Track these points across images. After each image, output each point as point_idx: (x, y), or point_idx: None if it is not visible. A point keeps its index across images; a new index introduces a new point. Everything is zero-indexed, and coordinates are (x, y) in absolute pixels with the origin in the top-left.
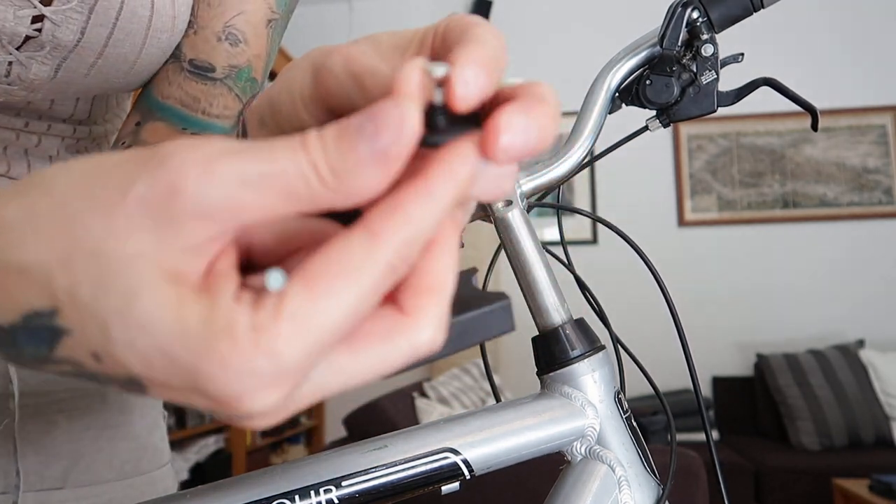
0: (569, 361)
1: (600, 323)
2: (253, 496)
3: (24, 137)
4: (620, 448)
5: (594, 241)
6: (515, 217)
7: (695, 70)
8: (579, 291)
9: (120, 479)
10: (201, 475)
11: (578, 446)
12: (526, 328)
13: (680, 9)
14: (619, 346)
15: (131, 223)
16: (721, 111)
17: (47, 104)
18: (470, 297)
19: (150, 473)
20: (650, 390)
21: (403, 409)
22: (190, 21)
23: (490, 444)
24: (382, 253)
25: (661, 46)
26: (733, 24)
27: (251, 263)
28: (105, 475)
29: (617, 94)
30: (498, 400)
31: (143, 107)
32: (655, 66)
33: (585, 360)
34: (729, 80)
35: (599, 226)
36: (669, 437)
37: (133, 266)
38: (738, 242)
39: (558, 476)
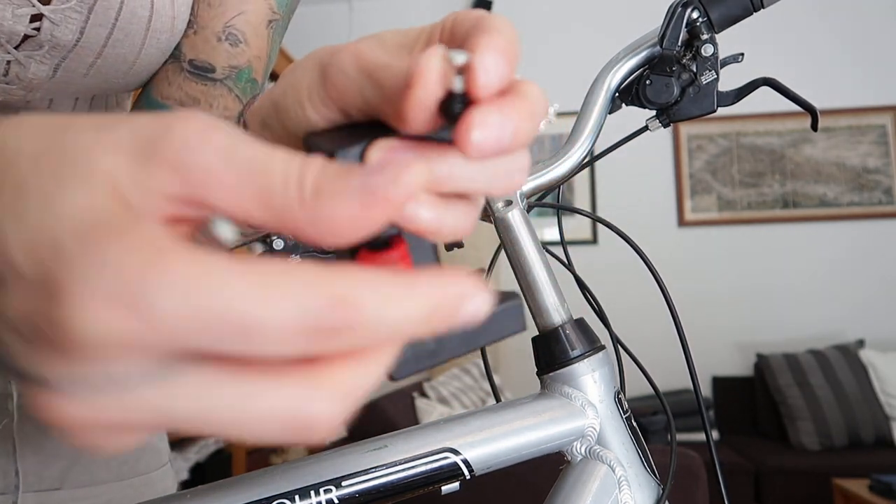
0: (569, 361)
1: (600, 323)
2: (253, 496)
3: None
4: (620, 448)
5: (594, 241)
6: (515, 217)
7: (695, 70)
8: (579, 291)
9: (118, 479)
10: (201, 475)
11: (578, 446)
12: (526, 328)
13: (680, 9)
14: (619, 346)
15: (118, 141)
16: (721, 111)
17: (46, 103)
18: None
19: (149, 474)
20: (650, 390)
21: (403, 409)
22: (190, 21)
23: (490, 444)
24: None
25: (661, 46)
26: (733, 24)
27: None
28: (103, 476)
29: (617, 94)
30: (498, 400)
31: (143, 107)
32: (655, 66)
33: (585, 360)
34: (729, 80)
35: (599, 226)
36: (669, 437)
37: (92, 166)
38: (738, 242)
39: (558, 476)
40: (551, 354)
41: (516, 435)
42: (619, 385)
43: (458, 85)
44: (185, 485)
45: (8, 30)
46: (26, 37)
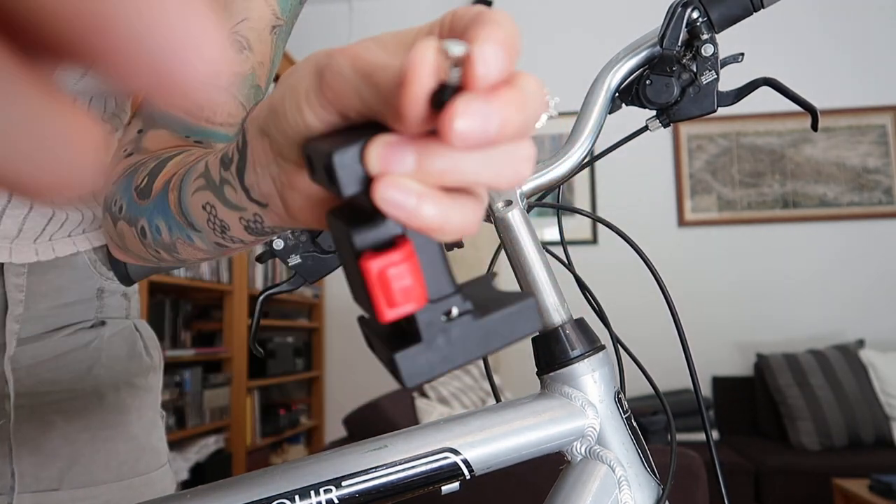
0: (569, 361)
1: (600, 323)
2: (253, 496)
3: None
4: (620, 448)
5: (594, 241)
6: (515, 217)
7: (695, 70)
8: (579, 291)
9: (117, 480)
10: (201, 475)
11: (578, 446)
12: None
13: (680, 9)
14: (619, 346)
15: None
16: (721, 111)
17: None
18: (493, 299)
19: (148, 474)
20: (650, 390)
21: (403, 409)
22: None
23: (490, 444)
24: None
25: (661, 46)
26: (733, 24)
27: None
28: (102, 476)
29: (617, 94)
30: (498, 400)
31: (145, 114)
32: (655, 66)
33: (585, 360)
34: (729, 80)
35: (599, 226)
36: (669, 437)
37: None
38: (738, 242)
39: (558, 476)
40: (551, 354)
41: (516, 435)
42: (619, 385)
43: (454, 77)
44: (185, 485)
45: None
46: None
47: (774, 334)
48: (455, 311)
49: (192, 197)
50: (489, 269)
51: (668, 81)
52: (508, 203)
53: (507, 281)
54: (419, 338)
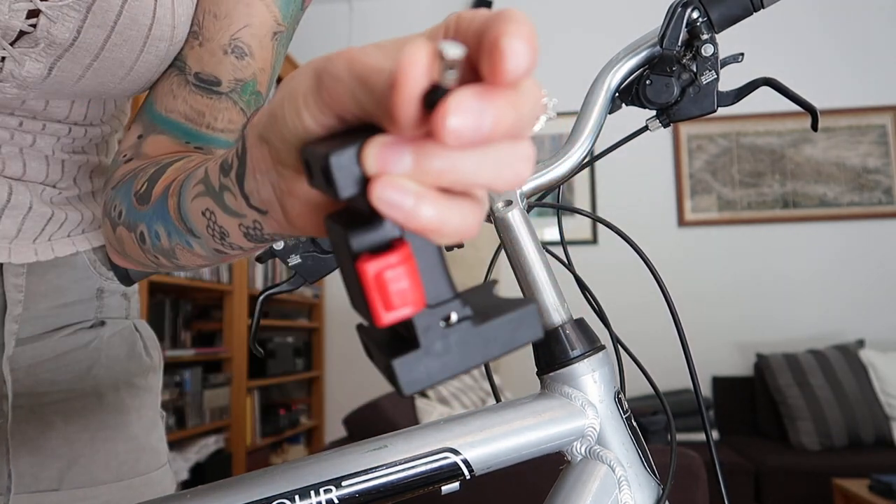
0: (569, 361)
1: (600, 323)
2: (253, 496)
3: (18, 136)
4: (620, 448)
5: (594, 241)
6: (515, 217)
7: (695, 70)
8: (579, 291)
9: (117, 480)
10: (201, 475)
11: (578, 446)
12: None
13: (680, 9)
14: (619, 346)
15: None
16: (721, 111)
17: (42, 104)
18: (493, 305)
19: (148, 474)
20: (650, 390)
21: (403, 409)
22: (195, 32)
23: (490, 444)
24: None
25: (661, 46)
26: (733, 24)
27: None
28: (102, 476)
29: (617, 94)
30: (498, 400)
31: (146, 120)
32: (655, 66)
33: (585, 360)
34: (729, 80)
35: (599, 226)
36: (669, 437)
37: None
38: (738, 242)
39: (558, 476)
40: (551, 354)
41: (516, 435)
42: (619, 385)
43: (449, 79)
44: (185, 485)
45: (4, 24)
46: (22, 33)
47: (774, 334)
48: (454, 317)
49: (192, 203)
50: (489, 268)
51: (668, 81)
52: (508, 203)
53: (507, 281)
54: (417, 344)
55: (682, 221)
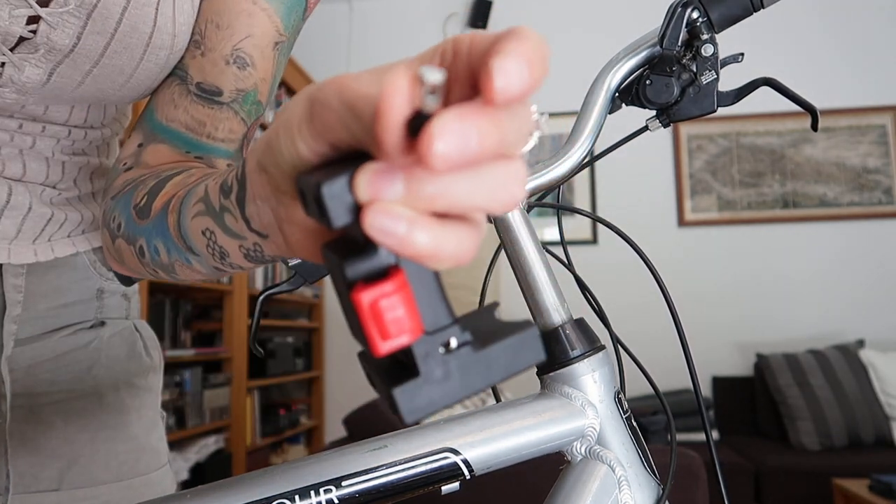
0: (569, 361)
1: (600, 323)
2: (253, 496)
3: (18, 138)
4: (620, 448)
5: (594, 241)
6: (515, 217)
7: (695, 70)
8: (579, 291)
9: (117, 480)
10: (201, 475)
11: (578, 446)
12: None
13: (680, 9)
14: (619, 346)
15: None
16: (721, 111)
17: (42, 109)
18: (494, 329)
19: (148, 475)
20: (650, 390)
21: None
22: (197, 42)
23: (490, 444)
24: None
25: (661, 46)
26: (733, 24)
27: None
28: (102, 477)
29: (617, 94)
30: (498, 400)
31: (146, 129)
32: (655, 66)
33: (585, 360)
34: (729, 80)
35: (599, 226)
36: (669, 437)
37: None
38: (738, 242)
39: (558, 476)
40: (551, 354)
41: (516, 435)
42: (619, 385)
43: (429, 104)
44: (185, 485)
45: (4, 30)
46: (22, 39)
47: (774, 334)
48: (454, 343)
49: (192, 221)
50: (489, 268)
51: (668, 81)
52: None
53: (507, 281)
54: (417, 371)
55: (682, 221)
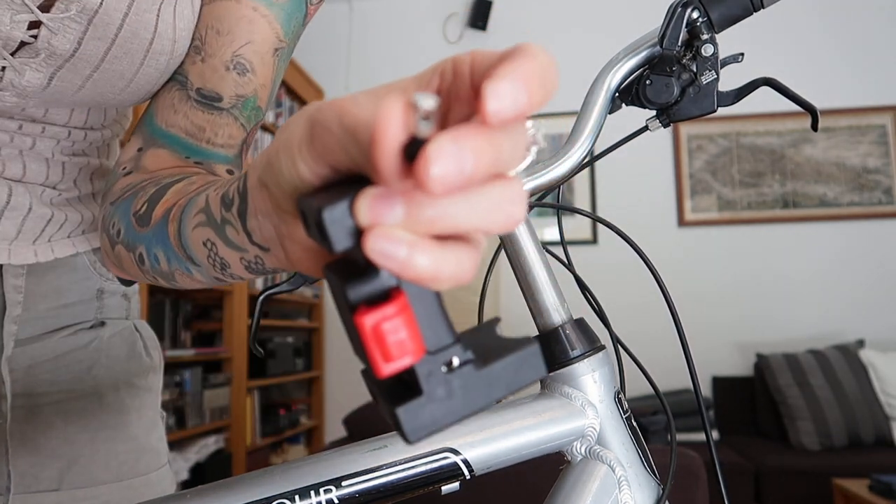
0: (569, 361)
1: (600, 323)
2: (253, 496)
3: (18, 139)
4: (620, 448)
5: (594, 241)
6: None
7: (695, 70)
8: (579, 291)
9: (117, 480)
10: (201, 475)
11: (578, 446)
12: (526, 328)
13: (680, 9)
14: (619, 346)
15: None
16: (721, 111)
17: (41, 112)
18: (496, 347)
19: (148, 475)
20: (650, 390)
21: None
22: (197, 47)
23: (490, 444)
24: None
25: (661, 46)
26: (733, 24)
27: None
28: (102, 477)
29: (617, 94)
30: (498, 400)
31: (146, 133)
32: (655, 66)
33: (585, 360)
34: (729, 80)
35: (599, 226)
36: (669, 437)
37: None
38: (738, 242)
39: (558, 476)
40: (551, 354)
41: (516, 435)
42: (619, 385)
43: (423, 130)
44: (185, 485)
45: (5, 35)
46: (23, 43)
47: (774, 334)
48: (456, 361)
49: (193, 232)
50: (489, 268)
51: (668, 81)
52: None
53: (507, 281)
54: (420, 390)
55: (682, 221)
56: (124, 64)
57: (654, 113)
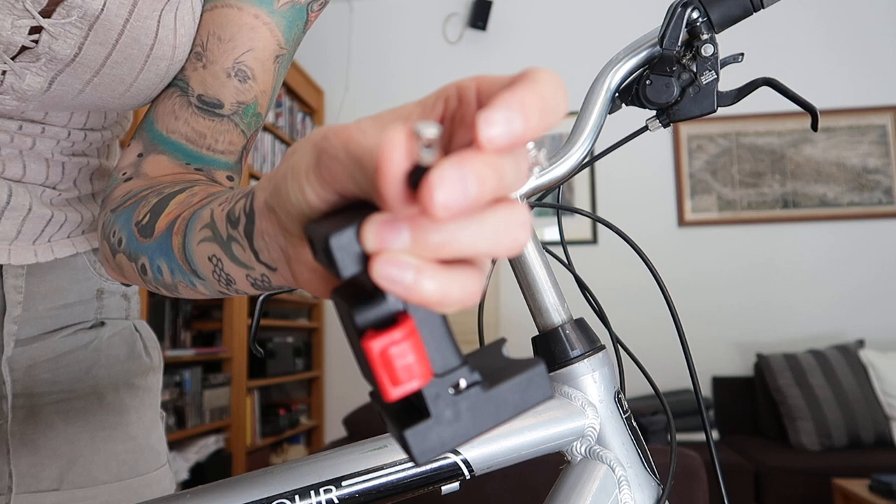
0: (569, 361)
1: (600, 323)
2: (253, 496)
3: (18, 140)
4: (620, 448)
5: (594, 241)
6: None
7: (695, 70)
8: (579, 291)
9: (117, 480)
10: (201, 475)
11: (578, 446)
12: (526, 328)
13: (680, 9)
14: (619, 346)
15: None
16: (721, 111)
17: (41, 115)
18: (502, 368)
19: (148, 475)
20: (650, 390)
21: None
22: (199, 54)
23: (490, 444)
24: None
25: (661, 46)
26: (733, 24)
27: None
28: (102, 477)
29: (617, 94)
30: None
31: (146, 138)
32: (655, 66)
33: (585, 360)
34: (729, 80)
35: (599, 226)
36: (669, 437)
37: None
38: (738, 242)
39: (558, 476)
40: (551, 354)
41: (516, 435)
42: (619, 385)
43: (426, 158)
44: (185, 485)
45: (6, 40)
46: (24, 48)
47: (774, 334)
48: (463, 384)
49: (198, 246)
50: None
51: (668, 81)
52: None
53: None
54: (428, 413)
55: (682, 221)
56: (125, 69)
57: (654, 113)
